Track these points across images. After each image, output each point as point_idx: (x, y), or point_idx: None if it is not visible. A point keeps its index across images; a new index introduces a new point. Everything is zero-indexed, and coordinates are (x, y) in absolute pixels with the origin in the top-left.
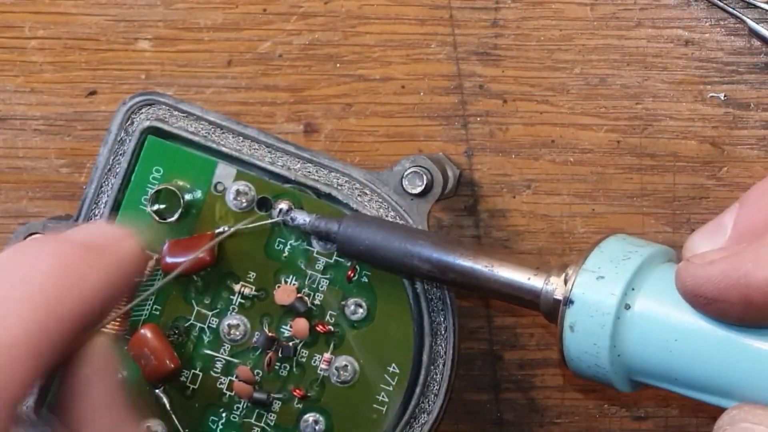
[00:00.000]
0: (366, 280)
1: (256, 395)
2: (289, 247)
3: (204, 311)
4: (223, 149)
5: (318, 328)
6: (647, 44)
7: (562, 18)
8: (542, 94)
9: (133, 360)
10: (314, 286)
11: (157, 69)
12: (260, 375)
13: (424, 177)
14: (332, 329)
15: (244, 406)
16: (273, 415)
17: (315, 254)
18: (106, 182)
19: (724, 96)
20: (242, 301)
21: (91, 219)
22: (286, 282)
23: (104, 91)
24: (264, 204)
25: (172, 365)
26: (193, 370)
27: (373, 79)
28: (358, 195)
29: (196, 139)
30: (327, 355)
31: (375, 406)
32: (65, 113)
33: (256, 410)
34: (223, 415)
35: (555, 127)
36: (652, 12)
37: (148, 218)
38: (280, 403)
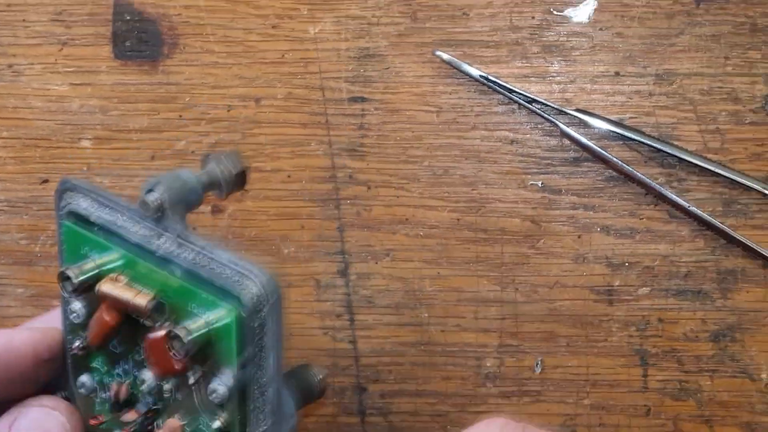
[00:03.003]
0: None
1: None
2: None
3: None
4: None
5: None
6: (481, 143)
7: (414, 122)
8: (399, 182)
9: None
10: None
11: (96, 162)
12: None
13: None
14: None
15: None
16: None
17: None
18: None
19: (541, 183)
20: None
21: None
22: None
23: (54, 179)
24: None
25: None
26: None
27: (265, 170)
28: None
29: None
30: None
31: None
32: (24, 197)
33: None
34: None
35: (409, 208)
36: (484, 117)
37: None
38: None
